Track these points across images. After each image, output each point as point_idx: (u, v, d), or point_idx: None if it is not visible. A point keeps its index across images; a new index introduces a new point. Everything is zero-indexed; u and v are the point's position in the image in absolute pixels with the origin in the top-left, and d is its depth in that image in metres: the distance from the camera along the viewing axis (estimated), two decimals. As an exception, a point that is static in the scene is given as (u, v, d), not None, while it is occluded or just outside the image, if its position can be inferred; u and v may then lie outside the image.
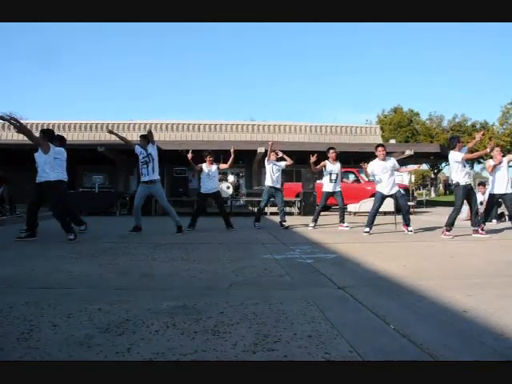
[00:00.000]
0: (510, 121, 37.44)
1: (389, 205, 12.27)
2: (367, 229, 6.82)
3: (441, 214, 11.63)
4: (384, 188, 6.92)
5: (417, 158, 20.41)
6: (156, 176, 6.71)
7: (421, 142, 36.82)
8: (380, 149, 6.98)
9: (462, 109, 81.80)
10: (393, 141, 25.42)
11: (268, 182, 7.85)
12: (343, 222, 7.93)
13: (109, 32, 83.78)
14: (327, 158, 8.06)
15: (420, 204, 17.37)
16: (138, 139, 6.92)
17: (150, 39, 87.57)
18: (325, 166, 7.99)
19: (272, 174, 7.78)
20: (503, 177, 6.95)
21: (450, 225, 6.34)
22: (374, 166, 6.98)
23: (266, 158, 7.86)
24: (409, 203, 13.29)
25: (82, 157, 16.68)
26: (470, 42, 74.75)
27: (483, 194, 9.95)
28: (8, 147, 17.04)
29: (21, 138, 21.01)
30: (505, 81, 70.72)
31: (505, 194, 6.92)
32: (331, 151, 8.03)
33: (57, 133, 6.54)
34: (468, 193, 6.47)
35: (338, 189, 8.01)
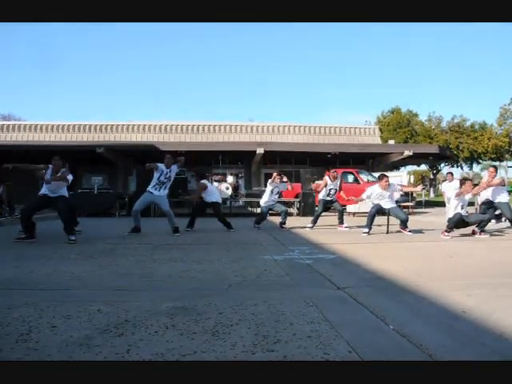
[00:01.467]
0: (508, 121, 37.49)
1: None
2: (366, 229, 6.92)
3: (440, 215, 11.63)
4: (380, 201, 7.16)
5: (416, 159, 20.46)
6: (166, 192, 6.91)
7: (420, 142, 36.86)
8: (385, 179, 7.10)
9: (460, 109, 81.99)
10: (392, 141, 25.40)
11: (264, 203, 8.14)
12: (342, 223, 8.04)
13: (108, 32, 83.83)
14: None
15: (419, 204, 17.38)
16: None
17: (148, 40, 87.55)
18: (326, 185, 8.30)
19: (271, 194, 8.12)
20: (497, 188, 7.31)
21: (451, 227, 6.44)
22: (373, 192, 7.21)
23: (271, 180, 8.15)
24: (410, 203, 13.37)
25: (81, 158, 16.69)
26: (467, 42, 74.92)
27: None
28: (8, 148, 17.06)
29: (19, 138, 21.02)
30: (503, 81, 70.85)
31: (499, 203, 7.30)
32: (332, 171, 8.35)
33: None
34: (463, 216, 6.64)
35: (334, 198, 8.33)
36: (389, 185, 7.15)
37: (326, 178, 8.29)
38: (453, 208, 6.61)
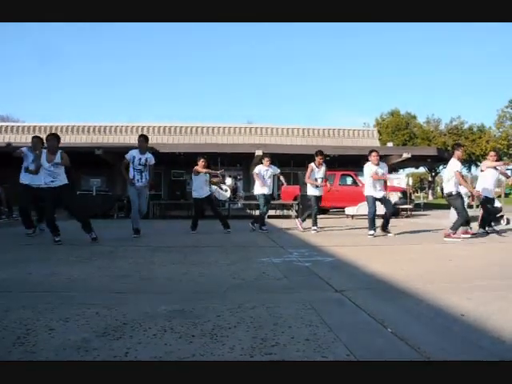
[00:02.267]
0: (507, 124, 37.61)
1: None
2: (371, 231, 6.86)
3: (438, 217, 11.64)
4: (373, 191, 7.07)
5: (414, 161, 20.49)
6: (145, 183, 6.72)
7: (418, 145, 36.94)
8: (374, 154, 7.14)
9: (458, 112, 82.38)
10: (390, 144, 25.45)
11: (265, 190, 7.85)
12: (316, 224, 7.87)
13: (107, 33, 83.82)
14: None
15: (418, 207, 17.40)
16: (137, 141, 6.86)
17: (147, 40, 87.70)
18: (312, 171, 7.96)
19: (265, 179, 7.86)
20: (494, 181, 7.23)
21: (455, 228, 6.43)
22: (366, 170, 7.17)
23: (261, 166, 7.96)
24: (408, 206, 13.40)
25: (80, 159, 16.65)
26: (466, 45, 75.22)
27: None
28: (6, 149, 17.00)
29: (18, 140, 20.97)
30: (501, 84, 71.09)
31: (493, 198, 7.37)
32: (319, 157, 7.93)
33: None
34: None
35: (321, 193, 8.05)
36: (378, 159, 7.12)
37: (312, 164, 7.93)
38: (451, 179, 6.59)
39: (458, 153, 6.61)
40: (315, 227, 7.79)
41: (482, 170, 7.49)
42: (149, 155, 6.69)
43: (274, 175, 8.08)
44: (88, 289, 3.09)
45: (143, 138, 6.72)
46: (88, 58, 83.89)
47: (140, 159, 6.59)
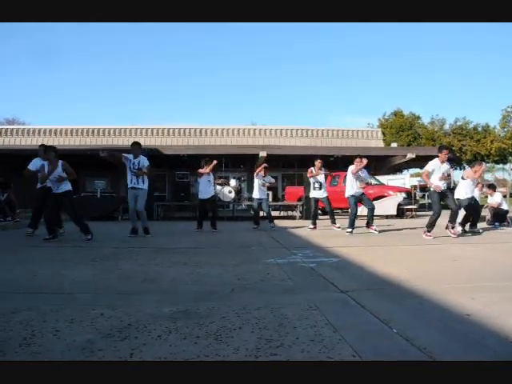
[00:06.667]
0: (511, 124, 37.30)
1: (391, 208, 12.26)
2: (349, 229, 7.38)
3: (442, 217, 11.56)
4: (352, 191, 7.64)
5: (419, 162, 20.40)
6: (145, 186, 6.94)
7: (423, 145, 36.74)
8: (357, 159, 7.80)
9: (463, 112, 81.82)
10: (394, 144, 25.35)
11: (256, 195, 8.59)
12: (335, 223, 8.36)
13: (110, 34, 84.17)
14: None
15: (422, 207, 17.32)
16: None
17: (151, 42, 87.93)
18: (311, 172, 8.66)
19: (261, 188, 8.61)
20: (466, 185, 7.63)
21: (430, 226, 6.82)
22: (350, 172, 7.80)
23: (256, 174, 8.71)
24: (413, 206, 13.35)
25: (85, 161, 16.73)
26: (470, 44, 74.78)
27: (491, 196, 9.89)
28: (9, 152, 17.15)
29: (23, 142, 21.11)
30: (506, 83, 70.55)
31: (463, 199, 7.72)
32: (316, 161, 8.64)
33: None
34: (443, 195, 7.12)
35: (324, 195, 8.53)
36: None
37: (312, 168, 8.61)
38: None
39: (440, 155, 6.96)
40: (338, 225, 8.28)
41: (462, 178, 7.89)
42: (141, 158, 6.94)
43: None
44: (92, 290, 3.10)
45: (136, 146, 7.02)
46: (91, 60, 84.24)
47: (134, 163, 6.89)
